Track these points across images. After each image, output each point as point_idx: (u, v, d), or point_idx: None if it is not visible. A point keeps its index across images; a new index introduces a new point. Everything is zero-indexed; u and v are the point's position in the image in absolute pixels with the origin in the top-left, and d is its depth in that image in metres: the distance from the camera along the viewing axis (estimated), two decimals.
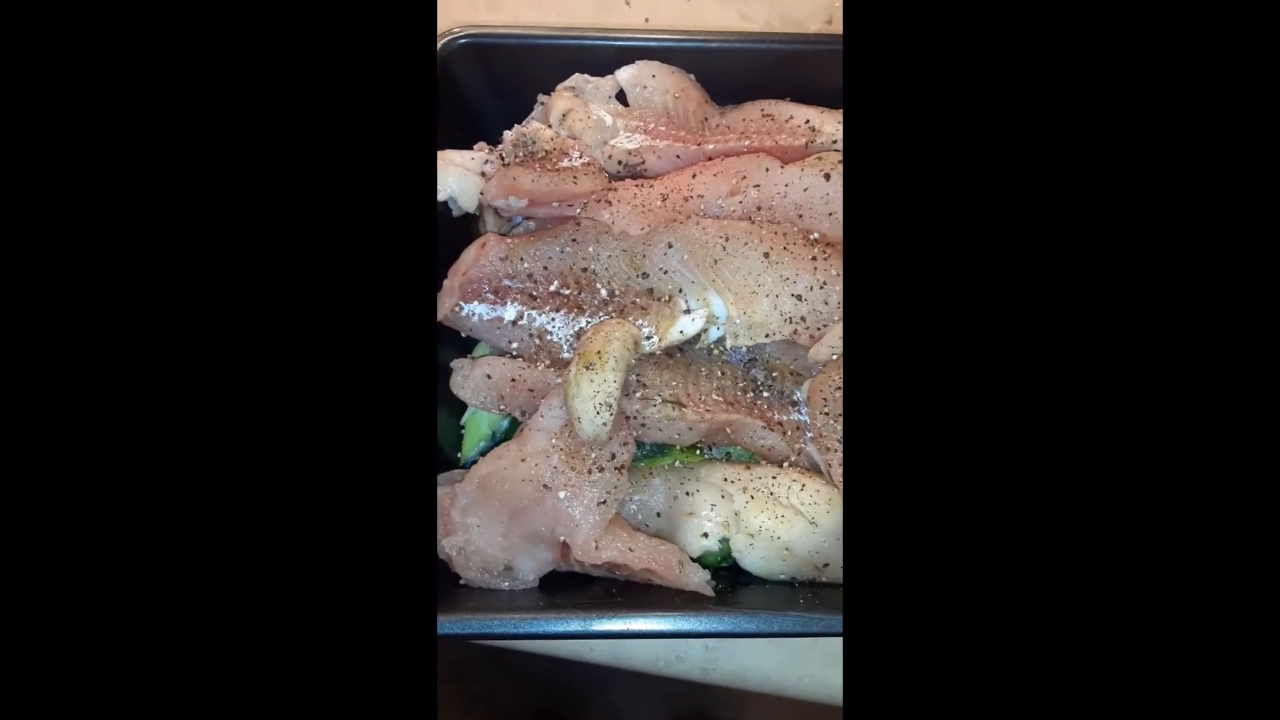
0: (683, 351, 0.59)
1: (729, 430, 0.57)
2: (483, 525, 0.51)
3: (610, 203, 0.57)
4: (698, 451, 0.58)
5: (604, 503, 0.50)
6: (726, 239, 0.56)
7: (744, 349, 0.59)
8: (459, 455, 0.62)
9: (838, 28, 0.83)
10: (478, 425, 0.61)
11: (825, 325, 0.55)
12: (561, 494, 0.50)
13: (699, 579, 0.50)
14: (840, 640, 0.61)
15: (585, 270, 0.57)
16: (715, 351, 0.59)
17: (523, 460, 0.51)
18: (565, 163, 0.58)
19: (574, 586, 0.53)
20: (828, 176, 0.56)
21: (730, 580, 0.54)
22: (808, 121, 0.62)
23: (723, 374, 0.59)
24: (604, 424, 0.49)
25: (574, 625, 0.47)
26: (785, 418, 0.57)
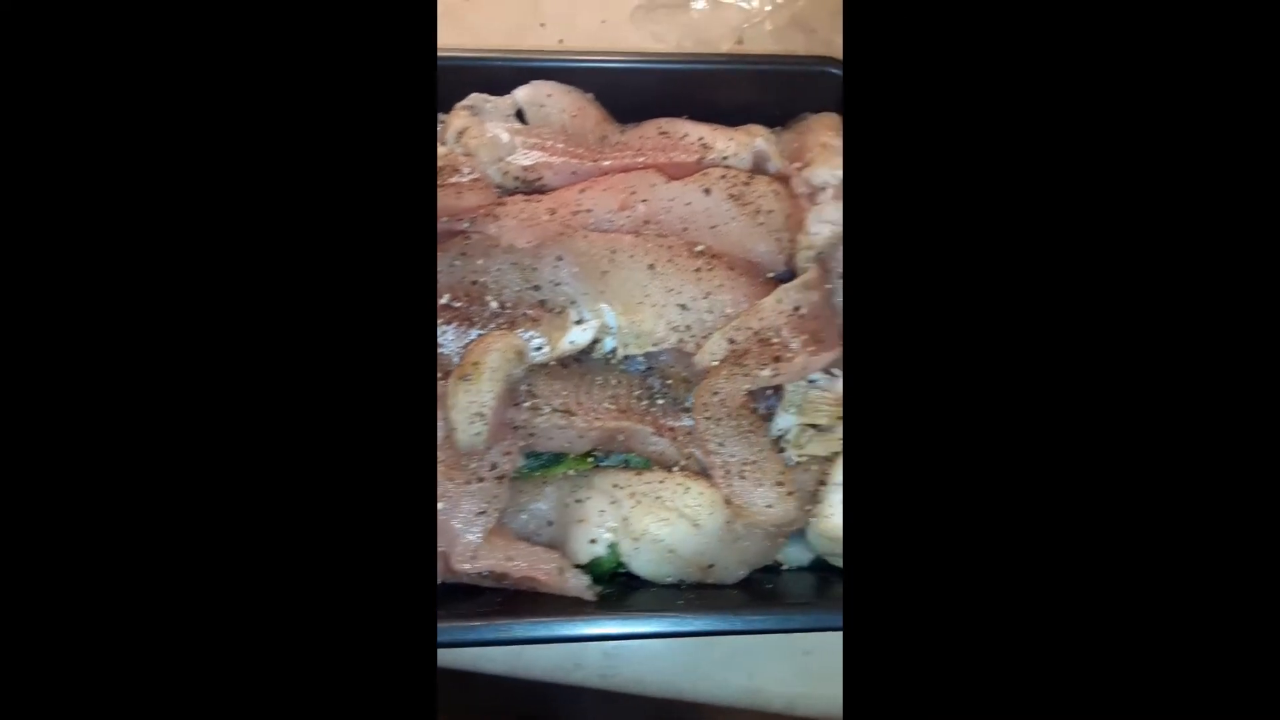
0: (579, 361, 0.61)
1: (621, 437, 0.58)
2: None
3: (497, 217, 0.58)
4: (589, 460, 0.58)
5: (483, 513, 0.50)
6: (614, 252, 0.57)
7: (641, 359, 0.60)
8: None
9: (748, 47, 0.85)
10: None
11: (709, 333, 0.57)
12: (439, 505, 0.50)
13: (579, 584, 0.51)
14: (734, 645, 0.62)
15: (475, 283, 0.58)
16: (613, 361, 0.61)
17: None
18: (454, 179, 0.59)
19: (463, 598, 0.53)
20: (708, 191, 0.58)
21: (625, 586, 0.55)
22: (701, 139, 0.64)
23: (618, 382, 0.60)
24: (478, 434, 0.50)
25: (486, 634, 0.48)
26: (676, 424, 0.58)
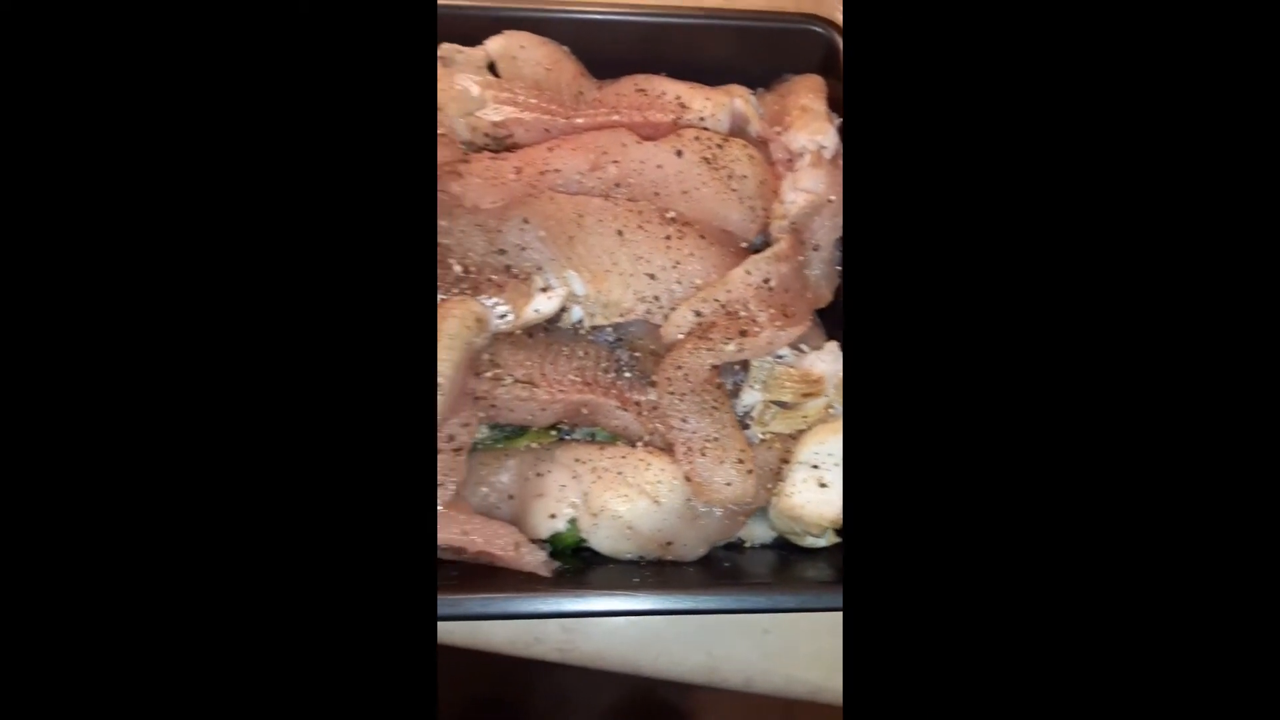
0: (546, 330, 0.59)
1: (585, 410, 0.56)
2: None
3: (461, 175, 0.55)
4: (553, 432, 0.57)
5: (440, 486, 0.49)
6: (581, 216, 0.55)
7: (609, 329, 0.59)
8: None
9: (731, 3, 0.81)
10: None
11: (678, 304, 0.55)
12: None
13: (536, 560, 0.50)
14: (693, 621, 0.61)
15: (438, 245, 0.56)
16: (580, 331, 0.59)
17: None
18: None
19: None
20: (680, 153, 0.56)
21: (585, 562, 0.54)
22: (678, 97, 0.61)
23: (585, 354, 0.58)
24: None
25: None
26: (642, 398, 0.56)
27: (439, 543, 0.49)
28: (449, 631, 0.59)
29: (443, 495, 0.49)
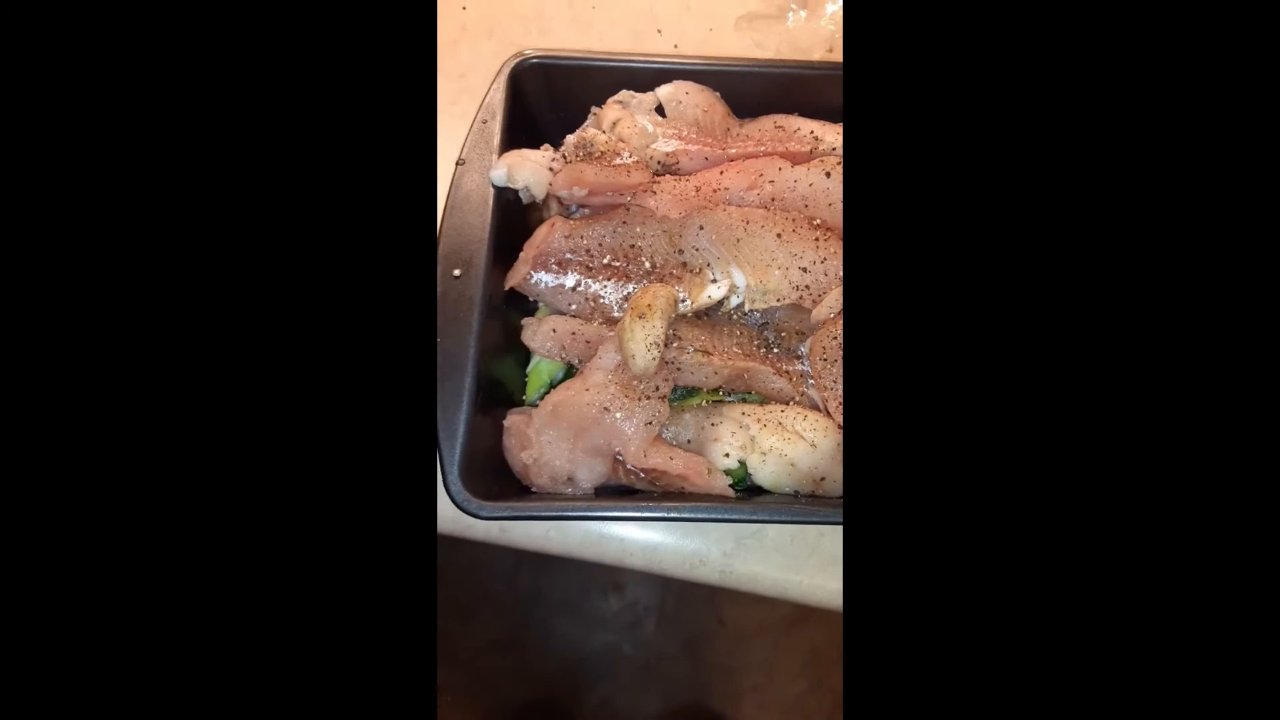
0: (710, 314, 0.74)
1: (745, 376, 0.70)
2: (553, 441, 0.65)
3: (654, 193, 0.71)
4: (719, 392, 0.71)
5: (650, 423, 0.64)
6: (747, 223, 0.70)
7: (758, 313, 0.73)
8: (524, 397, 0.75)
9: (837, 56, 0.98)
10: (539, 374, 0.74)
11: (825, 291, 0.69)
12: (618, 414, 0.63)
13: (723, 484, 0.64)
14: (834, 551, 0.74)
15: (633, 247, 0.71)
16: (736, 315, 0.74)
17: (586, 390, 0.65)
18: (618, 161, 0.72)
19: (622, 496, 0.66)
20: (828, 175, 0.71)
21: (748, 494, 0.68)
22: (812, 132, 0.77)
23: (741, 333, 0.73)
24: (653, 359, 0.63)
25: (629, 511, 0.60)
26: (791, 368, 0.71)
27: (648, 466, 0.63)
28: (631, 553, 0.72)
29: (652, 431, 0.64)
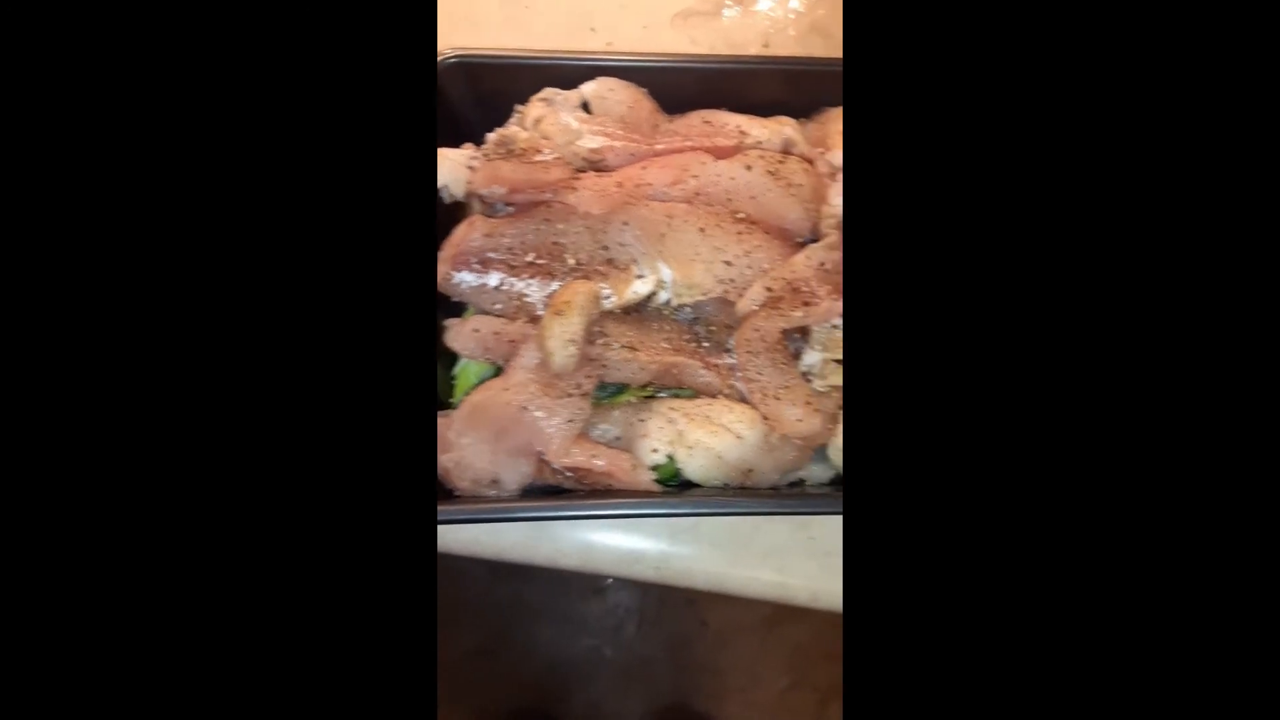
0: (639, 310, 0.73)
1: (674, 371, 0.70)
2: (474, 443, 0.64)
3: (575, 189, 0.70)
4: (648, 388, 0.71)
5: (572, 421, 0.63)
6: (670, 218, 0.70)
7: (689, 309, 0.73)
8: (451, 400, 0.74)
9: (772, 50, 0.97)
10: (467, 375, 0.73)
11: (749, 284, 0.69)
12: (538, 414, 0.63)
13: (648, 479, 0.63)
14: (766, 543, 0.74)
15: (556, 244, 0.70)
16: (666, 311, 0.73)
17: (506, 390, 0.64)
18: (539, 158, 0.71)
19: (550, 497, 0.65)
20: (749, 168, 0.70)
21: (680, 489, 0.67)
22: (739, 126, 0.76)
23: (670, 328, 0.72)
24: (570, 357, 0.62)
25: (567, 511, 0.60)
26: (720, 361, 0.70)
27: (572, 465, 0.63)
28: (564, 553, 0.72)
29: (574, 429, 0.63)
